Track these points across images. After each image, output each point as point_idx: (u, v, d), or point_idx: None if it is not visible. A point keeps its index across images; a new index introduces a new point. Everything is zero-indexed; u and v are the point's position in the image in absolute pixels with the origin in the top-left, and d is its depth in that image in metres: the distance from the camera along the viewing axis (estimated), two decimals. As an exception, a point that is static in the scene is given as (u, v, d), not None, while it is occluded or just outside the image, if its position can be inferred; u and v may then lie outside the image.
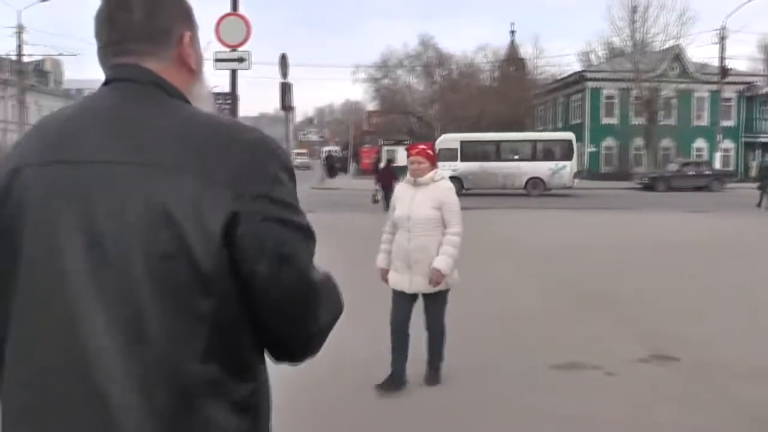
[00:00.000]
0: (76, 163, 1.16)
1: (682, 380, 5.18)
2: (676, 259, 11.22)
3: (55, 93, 60.13)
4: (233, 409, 1.15)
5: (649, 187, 33.57)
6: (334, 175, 44.85)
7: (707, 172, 34.28)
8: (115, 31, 1.26)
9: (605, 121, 45.29)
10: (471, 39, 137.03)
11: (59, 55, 50.79)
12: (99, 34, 1.29)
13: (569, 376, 5.26)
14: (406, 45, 55.53)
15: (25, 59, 44.37)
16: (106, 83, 1.27)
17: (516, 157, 29.54)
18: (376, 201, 20.71)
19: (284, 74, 12.74)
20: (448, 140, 29.95)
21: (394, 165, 21.81)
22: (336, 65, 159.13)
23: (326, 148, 65.75)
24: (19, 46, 41.36)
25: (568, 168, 28.94)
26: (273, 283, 1.16)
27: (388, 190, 21.83)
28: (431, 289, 4.71)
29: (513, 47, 58.59)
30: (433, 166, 4.87)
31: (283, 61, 12.72)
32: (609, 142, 45.17)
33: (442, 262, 4.64)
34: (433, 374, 4.97)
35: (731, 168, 42.48)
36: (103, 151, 1.15)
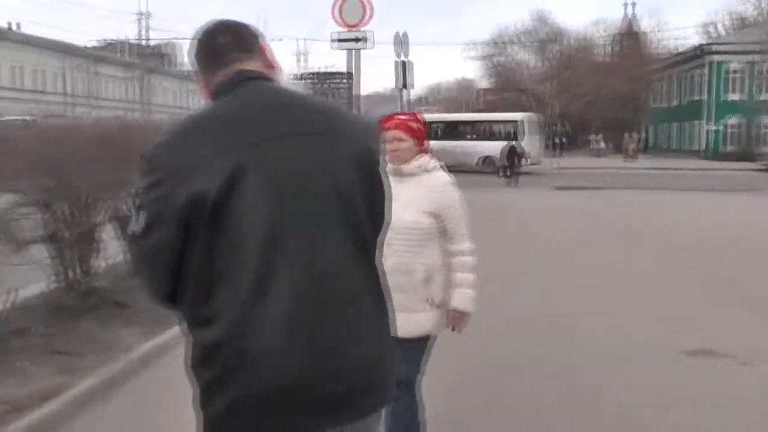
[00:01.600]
0: (289, 135, 1.64)
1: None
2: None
3: (174, 74, 63.40)
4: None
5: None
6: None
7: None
8: (224, 47, 1.74)
9: (729, 97, 42.78)
10: (586, 13, 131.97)
11: (177, 39, 53.25)
12: (210, 53, 1.76)
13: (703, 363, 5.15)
14: (519, 21, 54.51)
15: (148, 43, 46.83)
16: (240, 82, 1.71)
17: (471, 136, 31.01)
18: (506, 176, 23.60)
19: (404, 53, 12.84)
20: None
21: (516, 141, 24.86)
22: (448, 43, 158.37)
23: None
24: (146, 31, 43.75)
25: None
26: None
27: (512, 167, 22.45)
28: (413, 333, 2.96)
29: (630, 21, 56.38)
30: (421, 147, 3.24)
31: (404, 39, 12.81)
32: (733, 119, 42.60)
33: (465, 300, 3.12)
34: None
35: None
36: (294, 126, 1.65)
